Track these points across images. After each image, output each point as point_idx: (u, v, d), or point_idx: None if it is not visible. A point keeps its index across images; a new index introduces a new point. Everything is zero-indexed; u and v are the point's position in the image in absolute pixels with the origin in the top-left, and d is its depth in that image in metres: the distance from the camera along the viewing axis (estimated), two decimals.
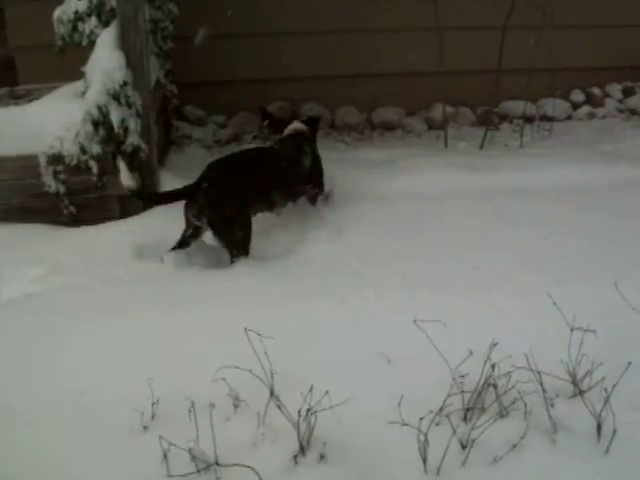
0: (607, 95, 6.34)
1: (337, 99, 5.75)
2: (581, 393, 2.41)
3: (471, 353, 2.34)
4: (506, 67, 5.05)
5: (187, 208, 3.48)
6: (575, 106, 6.22)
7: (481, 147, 5.05)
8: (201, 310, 2.94)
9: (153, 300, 3.07)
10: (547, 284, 2.87)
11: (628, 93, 6.38)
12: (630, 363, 2.30)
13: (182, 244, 3.57)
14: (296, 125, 4.15)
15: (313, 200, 4.10)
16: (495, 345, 2.32)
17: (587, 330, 2.42)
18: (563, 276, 3.08)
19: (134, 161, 3.89)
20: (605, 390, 2.30)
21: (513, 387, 2.37)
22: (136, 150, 3.88)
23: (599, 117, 6.16)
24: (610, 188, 4.07)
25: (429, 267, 3.24)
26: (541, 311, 2.65)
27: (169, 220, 3.70)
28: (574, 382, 2.44)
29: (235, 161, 3.70)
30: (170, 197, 3.57)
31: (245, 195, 3.51)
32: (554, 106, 5.78)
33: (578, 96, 6.26)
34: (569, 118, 6.09)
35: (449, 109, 5.65)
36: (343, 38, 5.57)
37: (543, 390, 2.38)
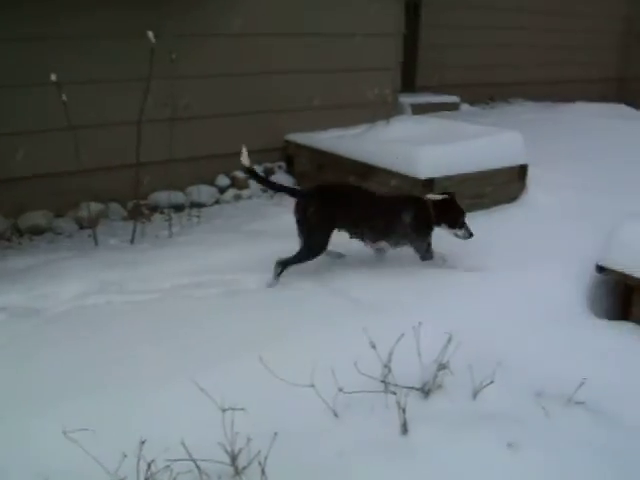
0: None
1: None
2: (238, 472, 2.48)
3: (125, 455, 2.31)
4: (147, 160, 5.15)
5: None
6: (222, 190, 6.52)
7: (132, 241, 5.02)
8: None
9: None
10: (194, 369, 2.93)
11: (269, 173, 6.85)
12: (276, 433, 2.44)
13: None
14: (433, 195, 4.38)
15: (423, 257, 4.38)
16: (144, 442, 2.31)
17: (236, 409, 2.51)
18: (209, 357, 3.17)
19: None
20: (259, 463, 2.41)
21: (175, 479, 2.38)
22: None
23: (245, 198, 6.52)
24: (263, 264, 4.26)
25: (74, 374, 3.11)
26: (191, 397, 2.67)
27: None
28: (232, 462, 2.50)
29: (338, 185, 4.67)
30: (279, 188, 4.61)
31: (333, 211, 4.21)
32: (199, 192, 6.05)
33: (223, 180, 6.57)
34: (217, 202, 6.35)
35: (98, 206, 5.61)
36: None
37: (202, 476, 2.42)
